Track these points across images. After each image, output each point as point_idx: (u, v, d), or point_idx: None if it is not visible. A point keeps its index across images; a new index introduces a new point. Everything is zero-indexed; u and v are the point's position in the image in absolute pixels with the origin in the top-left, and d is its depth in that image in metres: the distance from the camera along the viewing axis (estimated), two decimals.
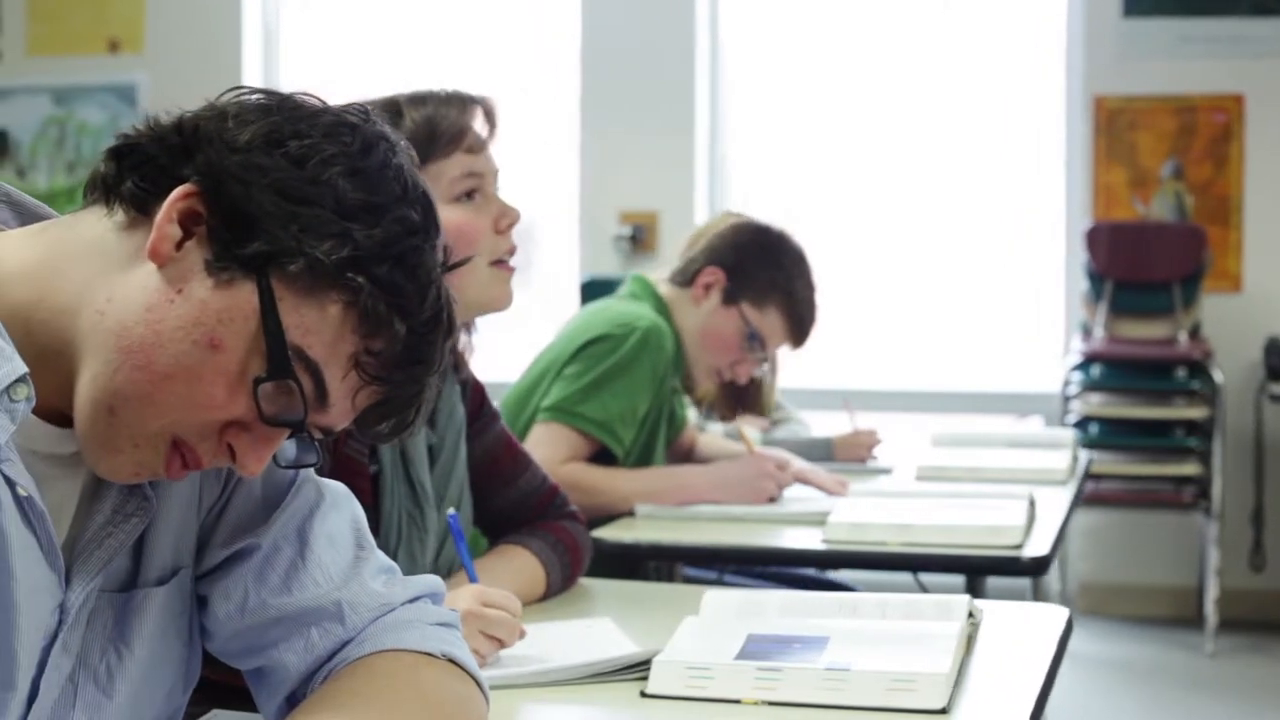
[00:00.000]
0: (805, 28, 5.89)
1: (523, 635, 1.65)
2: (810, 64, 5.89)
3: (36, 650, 1.14)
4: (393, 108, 1.88)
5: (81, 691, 1.19)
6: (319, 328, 1.09)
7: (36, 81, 6.40)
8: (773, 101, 5.92)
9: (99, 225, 1.13)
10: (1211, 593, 5.09)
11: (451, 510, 1.76)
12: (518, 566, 1.96)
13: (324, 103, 1.16)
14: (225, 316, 1.08)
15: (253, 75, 6.22)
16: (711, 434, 3.22)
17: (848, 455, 3.29)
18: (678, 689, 1.57)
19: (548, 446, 2.60)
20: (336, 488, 1.34)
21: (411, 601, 1.31)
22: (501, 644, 1.64)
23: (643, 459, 2.82)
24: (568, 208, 5.97)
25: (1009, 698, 1.59)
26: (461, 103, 1.92)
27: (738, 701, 1.55)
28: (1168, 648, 5.11)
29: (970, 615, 1.76)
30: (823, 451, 3.23)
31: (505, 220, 1.92)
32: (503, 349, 3.01)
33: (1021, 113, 5.70)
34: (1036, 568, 2.31)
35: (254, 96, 1.15)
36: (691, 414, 3.21)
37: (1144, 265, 5.27)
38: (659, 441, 2.85)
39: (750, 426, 3.23)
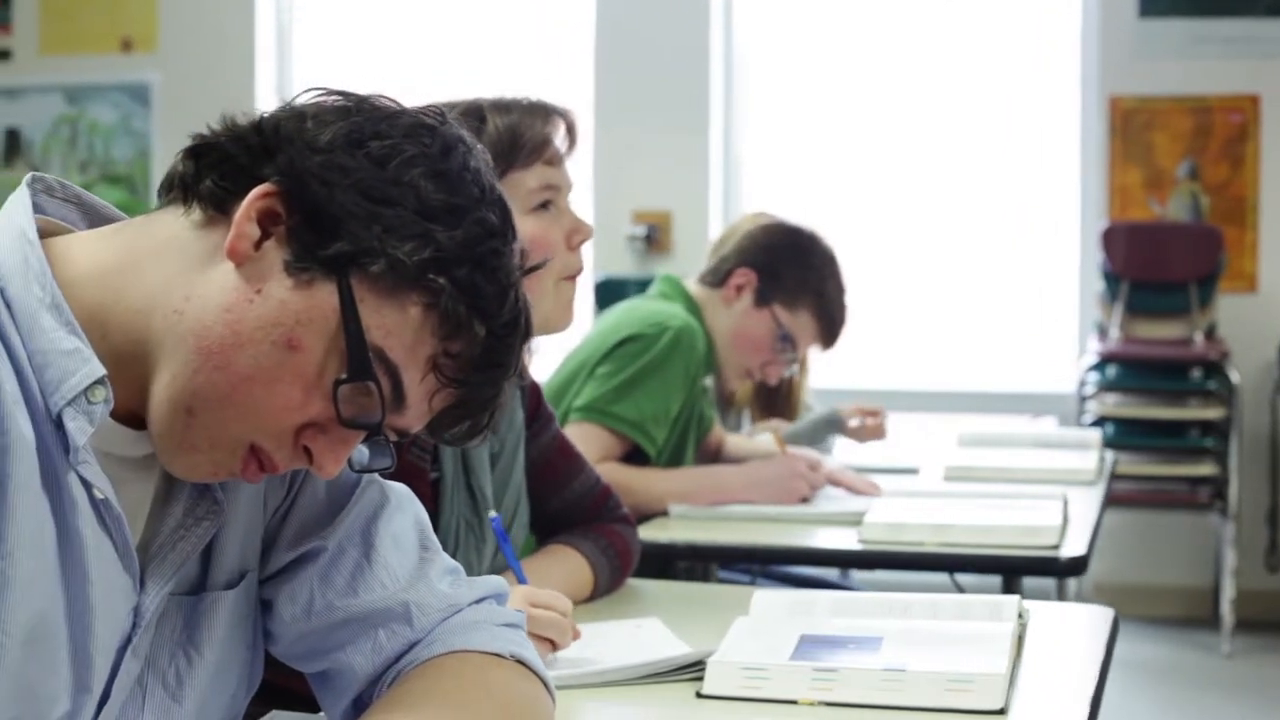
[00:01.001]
0: (819, 27, 5.89)
1: (577, 636, 1.64)
2: (824, 64, 5.89)
3: (111, 654, 1.14)
4: (476, 113, 1.87)
5: (150, 695, 1.18)
6: (399, 329, 1.09)
7: (49, 80, 6.40)
8: (787, 101, 5.92)
9: (175, 224, 1.13)
10: (1227, 593, 5.09)
11: (493, 513, 1.76)
12: (568, 568, 1.96)
13: (401, 104, 1.15)
14: (304, 317, 1.08)
15: (266, 75, 6.22)
16: (739, 434, 3.22)
17: (861, 433, 3.30)
18: (733, 689, 1.57)
19: (581, 446, 2.59)
20: (400, 489, 1.33)
21: (477, 602, 1.31)
22: (554, 645, 1.63)
23: (674, 459, 2.82)
24: (581, 207, 5.96)
25: (1064, 698, 1.59)
26: (545, 114, 1.91)
27: (794, 702, 1.55)
28: (1183, 648, 5.11)
29: (1019, 615, 1.75)
30: (834, 426, 3.25)
31: (578, 236, 1.92)
32: None
33: (1037, 113, 5.70)
34: (1074, 568, 2.30)
35: (331, 97, 1.15)
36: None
37: (1160, 266, 5.27)
38: (690, 441, 2.86)
39: (767, 428, 3.23)
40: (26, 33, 6.42)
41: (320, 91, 1.15)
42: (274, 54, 6.28)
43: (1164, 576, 5.50)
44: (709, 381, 2.96)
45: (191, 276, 1.10)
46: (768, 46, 5.93)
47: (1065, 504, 2.57)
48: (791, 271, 2.91)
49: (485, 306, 1.10)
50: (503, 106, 1.89)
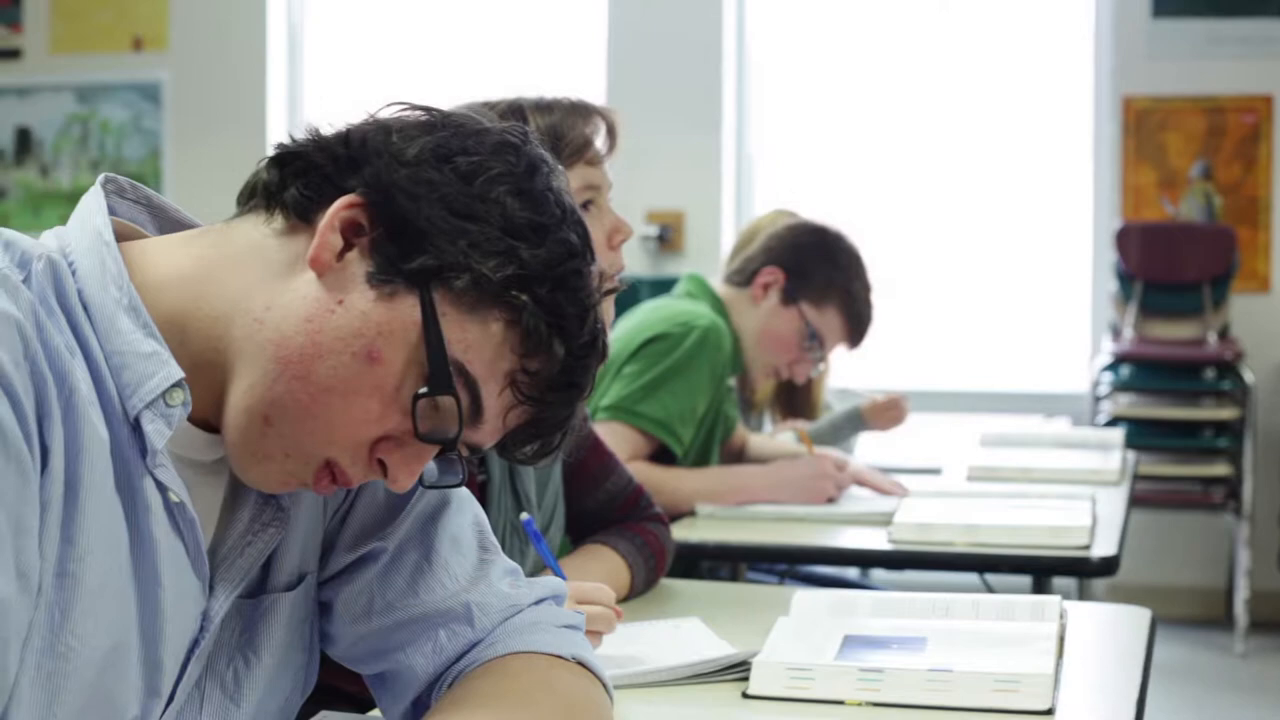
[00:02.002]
0: (832, 27, 5.89)
1: (620, 616, 1.64)
2: (837, 64, 5.89)
3: (180, 658, 1.14)
4: (517, 113, 1.87)
5: (208, 698, 1.18)
6: (480, 344, 1.09)
7: (60, 79, 6.40)
8: (799, 101, 5.92)
9: (256, 232, 1.13)
10: (1241, 593, 5.09)
11: (525, 515, 1.76)
12: (606, 567, 1.96)
13: (484, 121, 1.15)
14: (386, 329, 1.07)
15: (277, 73, 6.22)
16: (762, 434, 3.22)
17: (879, 417, 3.30)
18: (779, 690, 1.57)
19: (609, 444, 2.60)
20: (459, 490, 1.33)
21: (537, 603, 1.31)
22: (599, 637, 1.63)
23: (700, 458, 2.82)
24: None
25: (1110, 699, 1.60)
26: (586, 113, 1.91)
27: (841, 703, 1.55)
28: (1197, 648, 5.11)
29: (1060, 616, 1.75)
30: (856, 423, 3.25)
31: (619, 236, 1.93)
32: None
33: (1050, 113, 5.70)
34: (1105, 568, 2.31)
35: (415, 112, 1.15)
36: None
37: (1174, 266, 5.27)
38: (715, 441, 2.86)
39: (789, 428, 3.23)
40: (37, 31, 6.41)
41: (402, 106, 1.15)
42: (285, 52, 6.28)
43: (1178, 577, 5.50)
44: (731, 382, 2.96)
45: (272, 285, 1.10)
46: (780, 46, 5.93)
47: (1094, 504, 2.57)
48: (819, 270, 2.92)
49: (566, 326, 1.10)
50: (544, 106, 1.89)
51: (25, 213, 6.38)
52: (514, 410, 1.12)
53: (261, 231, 1.13)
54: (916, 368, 5.77)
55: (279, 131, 6.21)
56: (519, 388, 1.11)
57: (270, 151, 1.15)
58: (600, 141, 1.91)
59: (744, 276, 2.97)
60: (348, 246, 1.09)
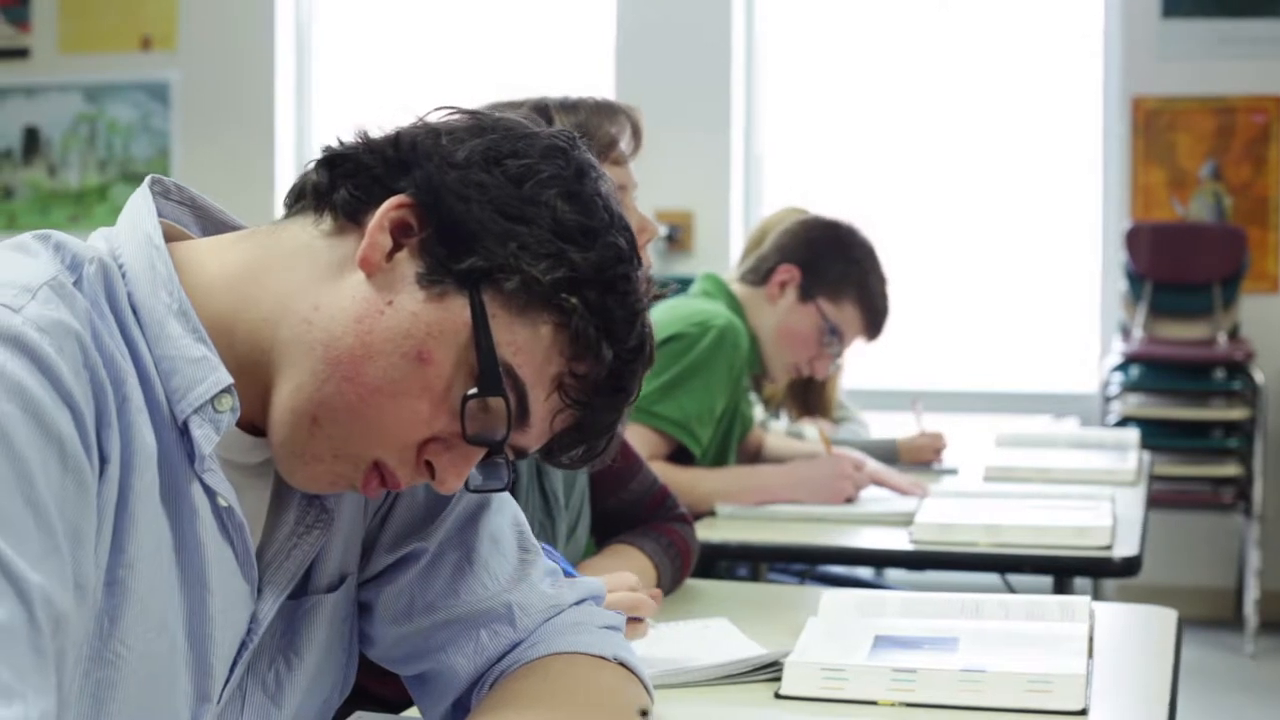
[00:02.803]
0: (841, 26, 5.89)
1: (658, 599, 1.64)
2: (846, 64, 5.89)
3: (229, 661, 1.14)
4: (543, 112, 1.87)
5: (249, 700, 1.18)
6: (530, 347, 1.09)
7: (68, 79, 6.40)
8: (808, 100, 5.92)
9: (305, 233, 1.13)
10: (1251, 594, 5.09)
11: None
12: (633, 567, 1.95)
13: (532, 125, 1.16)
14: (435, 330, 1.07)
15: (285, 73, 6.22)
16: (777, 433, 3.22)
17: (913, 458, 3.28)
18: (812, 690, 1.57)
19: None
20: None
21: (578, 603, 1.31)
22: (644, 624, 1.64)
23: (718, 458, 2.82)
24: None
25: (1142, 699, 1.59)
26: (612, 113, 1.92)
27: (874, 703, 1.55)
28: (1207, 649, 5.11)
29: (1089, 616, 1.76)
30: (887, 454, 3.23)
31: (645, 235, 1.92)
32: None
33: (1059, 113, 5.70)
34: (1128, 568, 2.31)
35: (462, 116, 1.15)
36: (758, 412, 3.21)
37: (1183, 266, 5.27)
38: (733, 441, 2.86)
39: (813, 427, 3.23)
40: (45, 31, 6.41)
41: (449, 110, 1.16)
42: (293, 52, 6.28)
43: (1188, 577, 5.50)
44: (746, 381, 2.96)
45: (321, 286, 1.10)
46: (789, 46, 5.93)
47: (1114, 504, 2.57)
48: (834, 265, 2.92)
49: (614, 330, 1.10)
50: (569, 106, 1.90)
51: (33, 212, 6.38)
52: (561, 414, 1.12)
53: (310, 233, 1.12)
54: (925, 367, 5.77)
55: (287, 131, 6.22)
56: (566, 391, 1.11)
57: (318, 154, 1.15)
58: (625, 141, 1.91)
59: (759, 275, 2.97)
60: (397, 247, 1.09)
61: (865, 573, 3.57)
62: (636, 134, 1.93)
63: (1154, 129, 5.51)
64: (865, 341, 3.02)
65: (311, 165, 1.14)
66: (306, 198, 1.14)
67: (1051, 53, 5.71)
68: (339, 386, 1.07)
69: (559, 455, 1.16)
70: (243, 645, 1.14)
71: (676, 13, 5.83)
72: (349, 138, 1.14)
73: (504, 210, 1.08)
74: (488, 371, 1.07)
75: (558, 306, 1.08)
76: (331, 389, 1.07)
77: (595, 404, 1.12)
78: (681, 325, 2.74)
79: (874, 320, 2.97)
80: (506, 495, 1.33)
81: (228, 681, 1.14)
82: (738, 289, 2.98)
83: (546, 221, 1.09)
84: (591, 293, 1.09)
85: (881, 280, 2.98)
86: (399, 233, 1.09)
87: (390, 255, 1.09)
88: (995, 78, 5.75)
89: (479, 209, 1.08)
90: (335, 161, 1.13)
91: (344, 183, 1.11)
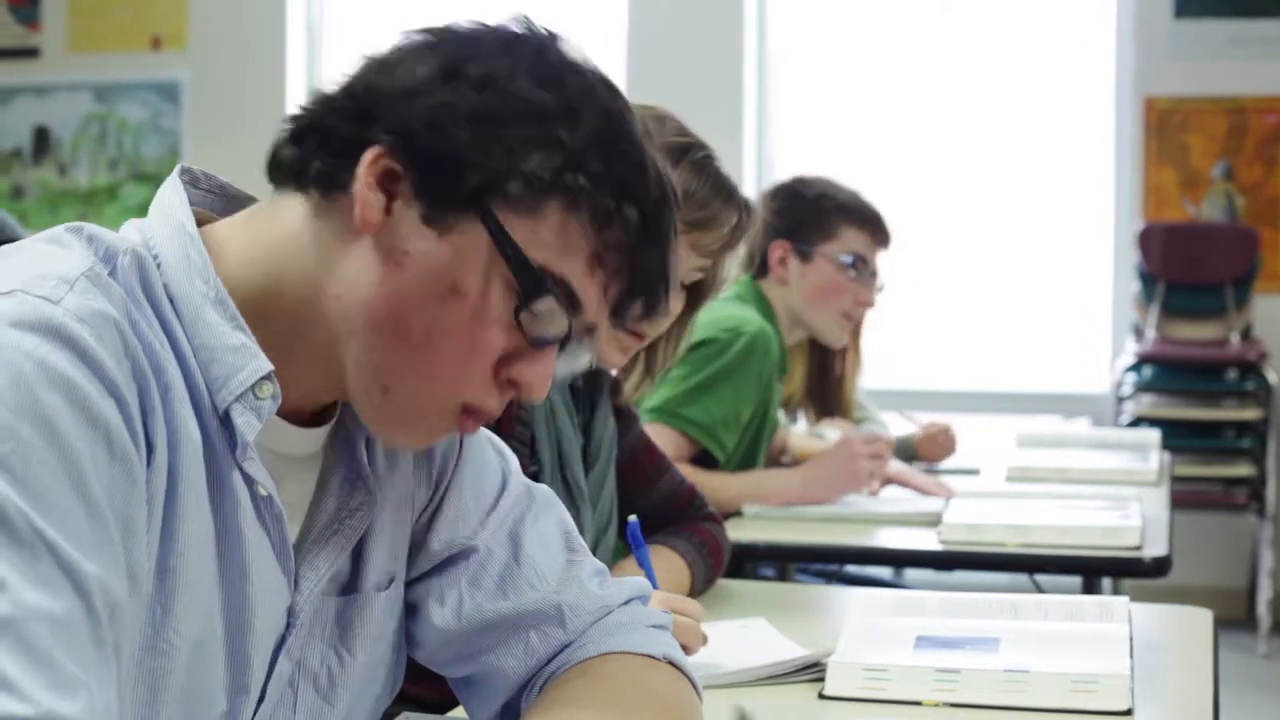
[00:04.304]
0: (853, 28, 5.89)
1: (705, 642, 1.64)
2: (858, 65, 5.89)
3: (268, 654, 1.13)
4: (680, 151, 1.88)
5: (301, 698, 1.17)
6: (555, 238, 1.06)
7: (78, 78, 6.39)
8: (820, 101, 5.92)
9: (298, 211, 1.10)
10: (1264, 594, 5.09)
11: (633, 517, 1.75)
12: (666, 567, 1.96)
13: (481, 23, 1.12)
14: (459, 262, 1.05)
15: (296, 71, 6.21)
16: (798, 434, 3.22)
17: (930, 453, 3.29)
18: (856, 690, 1.57)
19: None
20: (543, 490, 1.33)
21: (626, 603, 1.30)
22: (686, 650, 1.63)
23: (745, 464, 2.82)
24: None
25: (1184, 699, 1.60)
26: (729, 198, 1.94)
27: (918, 703, 1.55)
28: (1221, 649, 5.09)
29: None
30: (907, 452, 3.23)
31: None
32: None
33: (1072, 114, 5.69)
34: (1158, 568, 2.31)
35: (411, 39, 1.11)
36: (780, 417, 3.22)
37: (1196, 266, 5.27)
38: (761, 447, 2.86)
39: (834, 429, 3.23)
40: (55, 30, 6.41)
41: (399, 38, 1.12)
42: (304, 51, 6.27)
43: (1200, 577, 5.48)
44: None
45: (335, 259, 1.08)
46: (801, 46, 5.93)
47: (1141, 505, 2.57)
48: (806, 212, 2.97)
49: (630, 189, 1.08)
50: (698, 164, 1.90)
51: (43, 211, 6.38)
52: (610, 285, 1.10)
53: (304, 210, 1.10)
54: (937, 368, 5.77)
55: None
56: (606, 263, 1.08)
57: (284, 126, 1.11)
58: (722, 235, 1.90)
59: (760, 267, 2.98)
60: (391, 198, 1.06)
61: (884, 573, 3.57)
62: (738, 232, 1.92)
63: (1166, 129, 5.51)
64: (883, 250, 3.02)
65: (278, 142, 1.11)
66: (285, 174, 1.10)
67: (1064, 53, 5.71)
68: (391, 350, 1.06)
69: (626, 318, 1.13)
70: (281, 639, 1.14)
71: (688, 15, 5.83)
72: (307, 102, 1.10)
73: (479, 120, 1.05)
74: (525, 279, 1.05)
75: (566, 190, 1.06)
76: (384, 355, 1.06)
77: (639, 264, 1.10)
78: (714, 330, 2.73)
79: (873, 224, 3.00)
80: (551, 495, 1.33)
81: (270, 675, 1.13)
82: (761, 287, 2.98)
83: (524, 114, 1.05)
84: (594, 164, 1.06)
85: (853, 194, 3.01)
86: (387, 183, 1.06)
87: (388, 208, 1.06)
88: (1007, 79, 5.75)
89: (454, 129, 1.05)
90: (300, 134, 1.10)
91: (315, 156, 1.08)
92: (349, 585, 1.21)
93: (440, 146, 1.05)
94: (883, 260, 3.06)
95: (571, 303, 1.08)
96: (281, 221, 1.11)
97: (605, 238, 1.08)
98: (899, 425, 3.62)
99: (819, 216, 2.96)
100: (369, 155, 1.06)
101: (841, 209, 2.97)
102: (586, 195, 1.06)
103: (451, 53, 1.08)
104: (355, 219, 1.06)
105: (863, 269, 2.96)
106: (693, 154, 1.87)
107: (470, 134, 1.05)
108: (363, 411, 1.11)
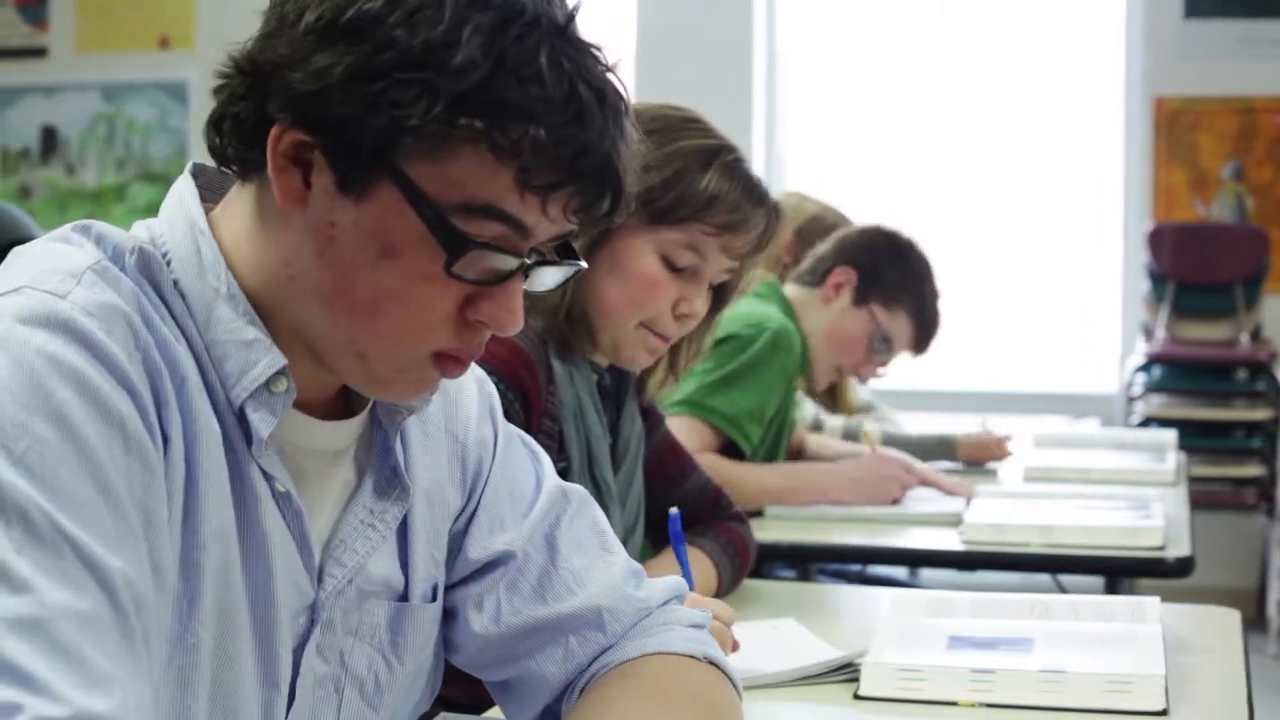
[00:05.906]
0: (862, 30, 5.89)
1: (736, 648, 1.63)
2: (867, 64, 5.89)
3: (293, 649, 1.13)
4: (712, 153, 1.88)
5: (346, 703, 1.17)
6: (468, 176, 1.02)
7: (86, 78, 6.39)
8: (829, 101, 5.92)
9: (242, 198, 1.09)
10: (1274, 595, 5.09)
11: (674, 510, 1.75)
12: (695, 567, 1.95)
13: None
14: (383, 224, 1.02)
15: None
16: (832, 431, 3.22)
17: (975, 455, 3.25)
18: (891, 691, 1.57)
19: (679, 438, 2.60)
20: (577, 491, 1.32)
21: (663, 604, 1.30)
22: None
23: (768, 460, 2.82)
24: None
25: (1219, 699, 1.59)
26: (759, 202, 1.92)
27: (954, 703, 1.55)
28: None
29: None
30: (944, 450, 3.23)
31: (684, 306, 1.91)
32: None
33: (1081, 114, 5.70)
34: (1181, 568, 2.31)
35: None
36: (809, 409, 3.22)
37: (1206, 267, 5.27)
38: (783, 443, 2.86)
39: (874, 425, 3.22)
40: (64, 30, 6.41)
41: None
42: None
43: (1209, 578, 5.47)
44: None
45: (279, 241, 1.06)
46: (810, 46, 5.93)
47: (1163, 505, 2.57)
48: (892, 272, 2.94)
49: (530, 110, 1.00)
50: (728, 166, 1.90)
51: (51, 211, 6.37)
52: (548, 201, 1.04)
53: (245, 196, 1.09)
54: (944, 368, 5.76)
55: None
56: (531, 185, 1.02)
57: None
58: (751, 238, 1.88)
59: (815, 276, 2.98)
60: (306, 170, 1.04)
61: (899, 573, 3.57)
62: (765, 237, 1.90)
63: (1176, 129, 5.51)
64: (912, 355, 3.03)
65: (205, 126, 1.09)
66: (219, 163, 1.09)
67: (1073, 54, 5.71)
68: (348, 320, 1.05)
69: (594, 213, 1.07)
70: (306, 634, 1.13)
71: (697, 15, 5.83)
72: (213, 85, 1.08)
73: (358, 77, 1.00)
74: (446, 231, 1.02)
75: (463, 129, 1.01)
76: (345, 325, 1.05)
77: (570, 177, 1.03)
78: (737, 326, 2.73)
79: (924, 332, 2.99)
80: (586, 496, 1.33)
81: (298, 673, 1.13)
82: (791, 291, 2.99)
83: (399, 62, 1.00)
84: (480, 101, 1.00)
85: (936, 295, 3.00)
86: (298, 156, 1.04)
87: (307, 181, 1.04)
88: (1017, 79, 5.75)
89: (337, 92, 1.00)
90: (217, 120, 1.07)
91: (229, 143, 1.07)
92: (401, 592, 1.20)
93: (328, 112, 1.01)
94: (902, 359, 3.05)
95: (514, 228, 1.04)
96: (237, 211, 1.10)
97: (520, 163, 1.02)
98: (941, 425, 3.59)
99: (897, 286, 2.96)
100: (272, 136, 1.03)
101: (917, 298, 2.98)
102: (483, 134, 1.01)
103: (326, 9, 1.03)
104: (278, 201, 1.05)
105: (884, 354, 2.96)
106: (723, 156, 1.86)
107: (352, 94, 1.00)
108: (347, 380, 1.10)
